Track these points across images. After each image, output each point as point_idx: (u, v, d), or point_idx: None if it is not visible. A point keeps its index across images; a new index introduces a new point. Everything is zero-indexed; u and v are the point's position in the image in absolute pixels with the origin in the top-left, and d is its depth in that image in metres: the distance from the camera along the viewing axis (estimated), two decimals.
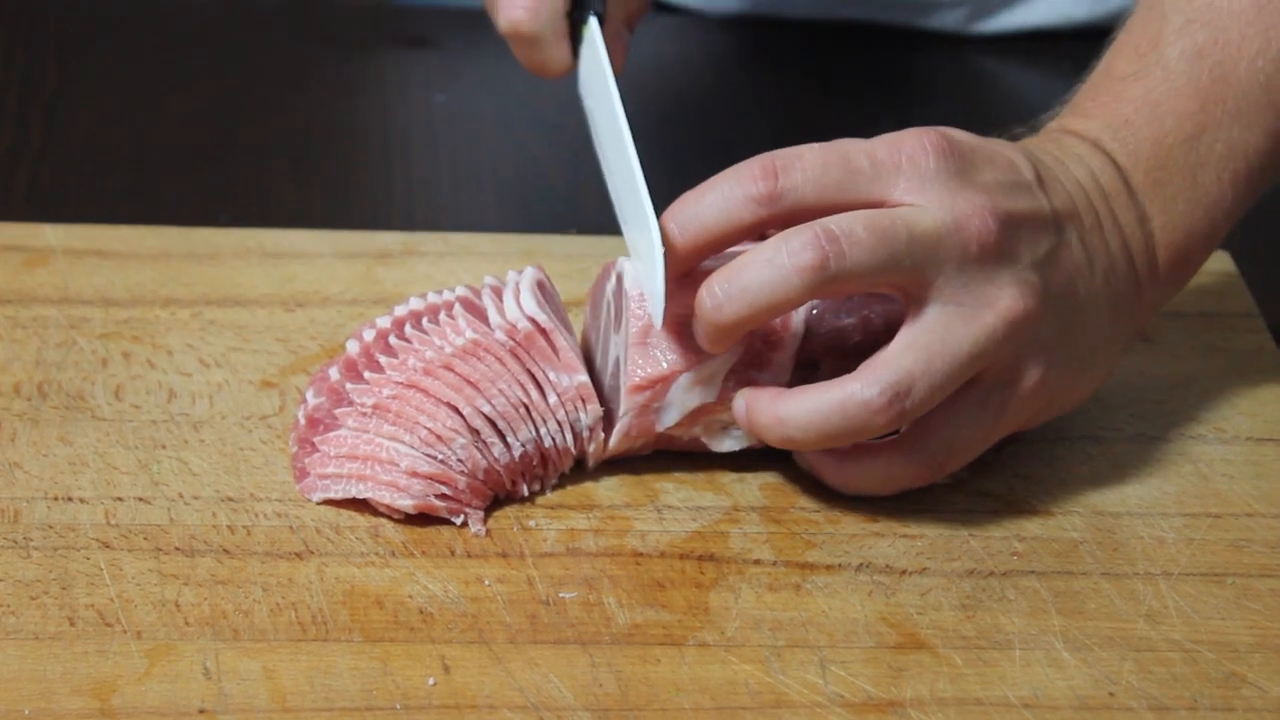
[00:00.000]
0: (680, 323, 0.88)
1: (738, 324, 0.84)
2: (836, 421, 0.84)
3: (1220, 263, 1.09)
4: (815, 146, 0.86)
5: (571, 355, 0.89)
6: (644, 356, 0.88)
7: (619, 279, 0.91)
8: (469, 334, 0.89)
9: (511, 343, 0.89)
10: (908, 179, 0.85)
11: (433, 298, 0.93)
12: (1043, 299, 0.86)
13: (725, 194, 0.85)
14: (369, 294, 1.03)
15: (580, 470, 0.91)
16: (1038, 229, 0.86)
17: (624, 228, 0.93)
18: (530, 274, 0.92)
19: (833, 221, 0.83)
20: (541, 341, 0.89)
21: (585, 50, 0.97)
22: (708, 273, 0.86)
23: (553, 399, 0.89)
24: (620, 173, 0.92)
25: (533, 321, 0.89)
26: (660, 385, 0.88)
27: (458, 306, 0.91)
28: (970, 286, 0.85)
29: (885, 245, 0.83)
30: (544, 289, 0.92)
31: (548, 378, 0.89)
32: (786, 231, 0.84)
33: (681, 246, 0.85)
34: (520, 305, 0.90)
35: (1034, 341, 0.86)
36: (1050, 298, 0.86)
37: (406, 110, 1.24)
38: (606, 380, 0.91)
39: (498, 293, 0.92)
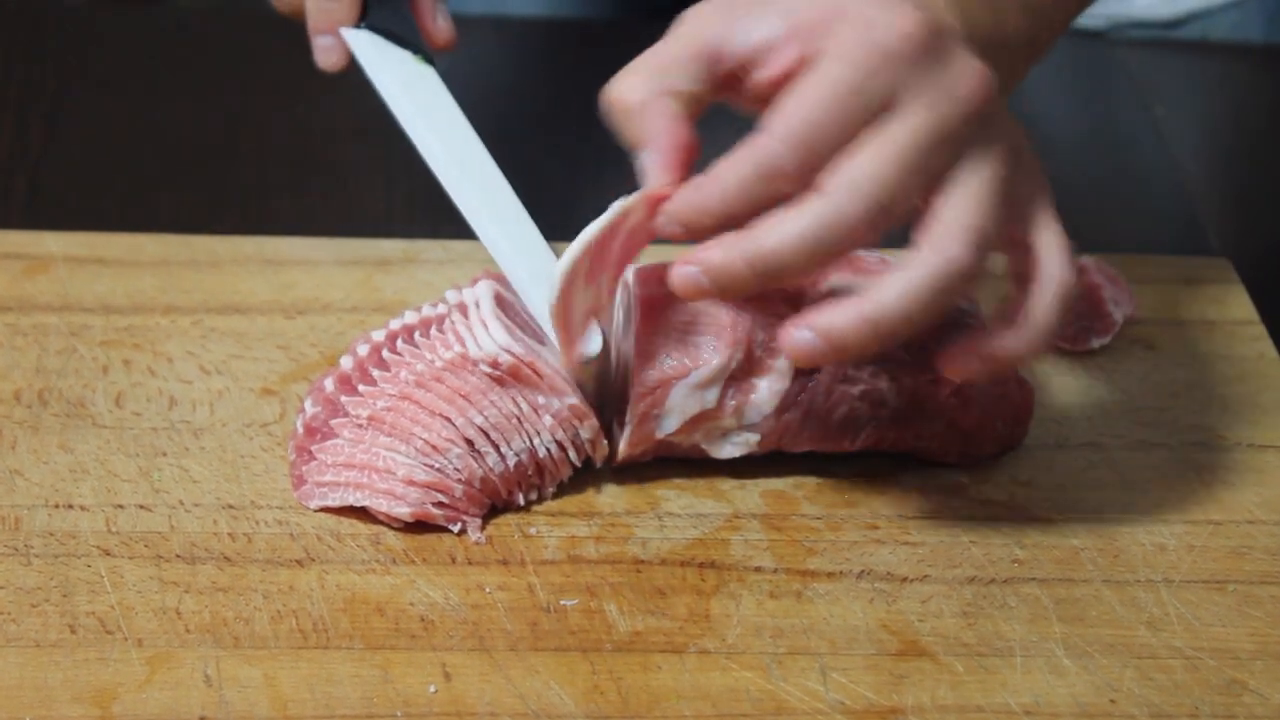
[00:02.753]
0: (679, 330, 0.88)
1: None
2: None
3: (1221, 270, 1.09)
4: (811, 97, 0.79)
5: (556, 378, 0.89)
6: (645, 362, 0.88)
7: (625, 285, 0.91)
8: (456, 349, 0.89)
9: (497, 372, 0.89)
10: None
11: (427, 310, 0.93)
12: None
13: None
14: (369, 301, 1.03)
15: (581, 477, 0.91)
16: None
17: (496, 233, 0.96)
18: (486, 294, 0.92)
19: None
20: (525, 370, 0.89)
21: (414, 80, 1.01)
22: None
23: (547, 420, 0.89)
24: (476, 180, 0.97)
25: (510, 353, 0.88)
26: (660, 391, 0.88)
27: (447, 321, 0.91)
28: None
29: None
30: (503, 303, 0.92)
31: (537, 401, 0.89)
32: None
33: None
34: (491, 336, 0.89)
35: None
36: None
37: None
38: (615, 383, 0.91)
39: (464, 311, 0.91)
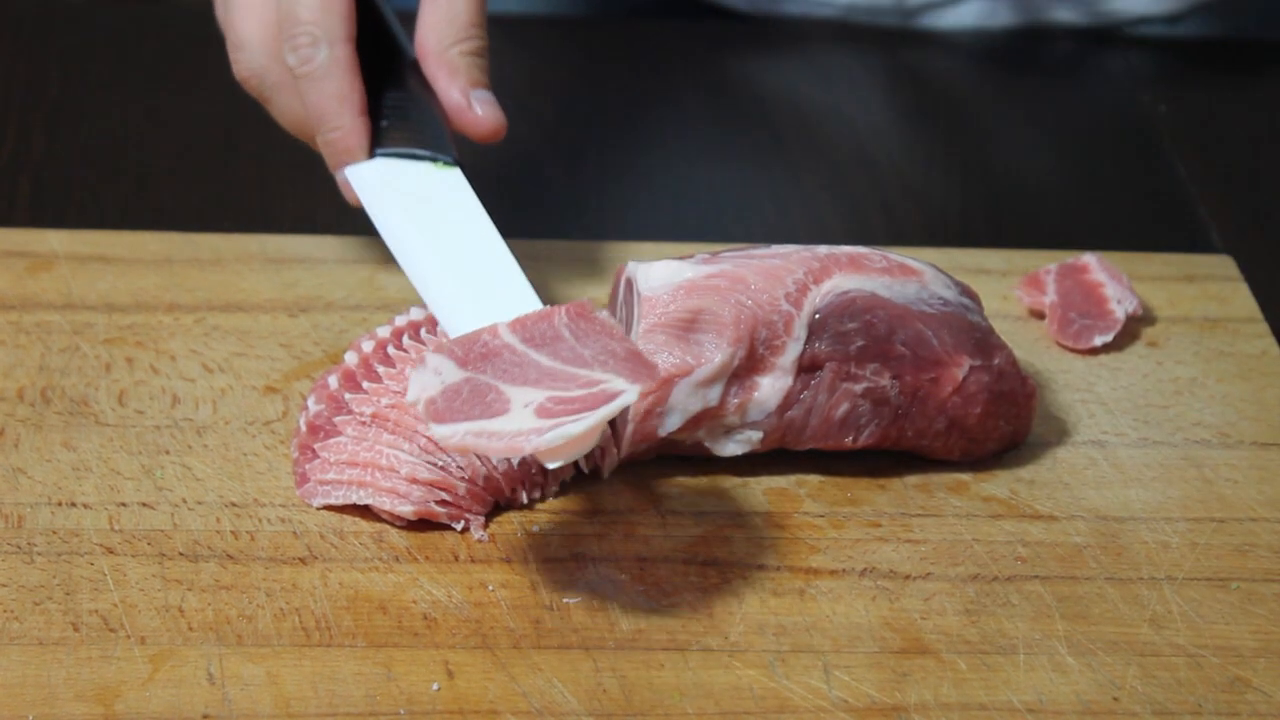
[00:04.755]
0: (682, 327, 0.88)
1: None
2: None
3: (1224, 267, 1.09)
4: None
5: None
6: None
7: (629, 283, 0.91)
8: None
9: None
10: None
11: (380, 332, 0.93)
12: None
13: None
14: (372, 299, 1.03)
15: (583, 475, 0.91)
16: None
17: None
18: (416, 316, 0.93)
19: None
20: None
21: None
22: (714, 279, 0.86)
23: None
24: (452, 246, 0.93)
25: None
26: (663, 389, 0.88)
27: (404, 338, 0.91)
28: None
29: None
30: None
31: None
32: None
33: None
34: None
35: None
36: None
37: None
38: None
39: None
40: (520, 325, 0.85)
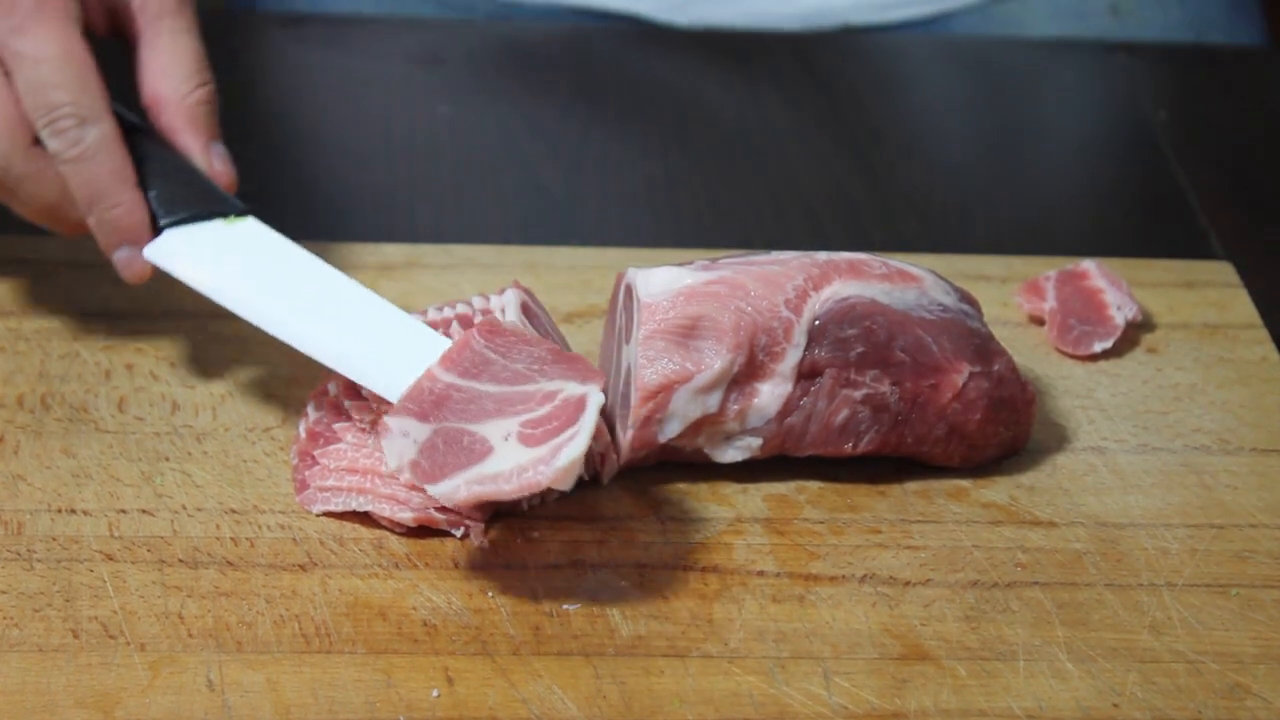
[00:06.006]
0: (681, 334, 0.88)
1: None
2: None
3: (1223, 274, 1.09)
4: None
5: None
6: (648, 367, 0.88)
7: (629, 290, 0.91)
8: None
9: None
10: None
11: (433, 314, 0.93)
12: None
13: None
14: None
15: (583, 481, 0.91)
16: None
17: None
18: (513, 300, 0.92)
19: None
20: None
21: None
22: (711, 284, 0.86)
23: None
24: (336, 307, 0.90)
25: None
26: (663, 395, 0.88)
27: (454, 325, 0.92)
28: None
29: None
30: (528, 311, 0.92)
31: None
32: None
33: None
34: None
35: None
36: None
37: (410, 122, 1.24)
38: (620, 388, 0.91)
39: (488, 316, 0.91)
40: (450, 362, 0.85)
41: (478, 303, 0.93)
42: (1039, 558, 0.89)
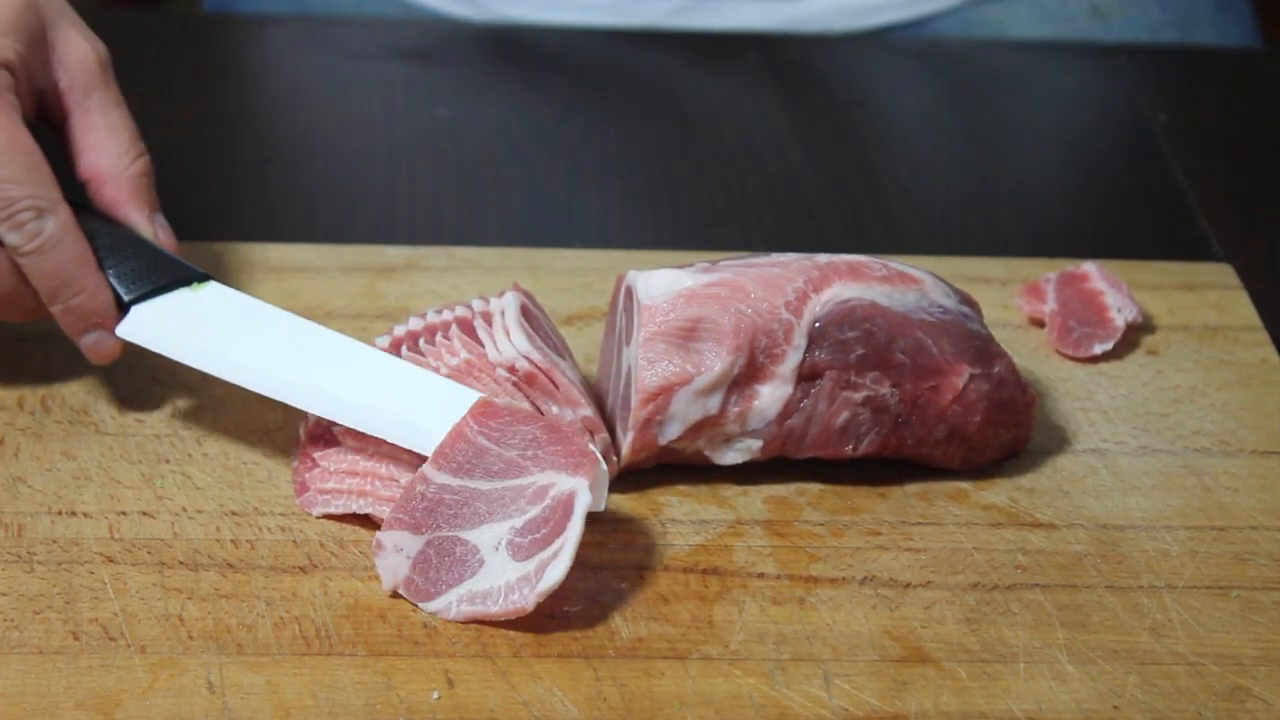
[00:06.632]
0: (682, 336, 0.89)
1: None
2: None
3: (1223, 276, 1.09)
4: None
5: (572, 389, 0.89)
6: (649, 369, 0.88)
7: (629, 292, 0.91)
8: (464, 355, 0.90)
9: (513, 378, 0.89)
10: None
11: (432, 317, 0.93)
12: None
13: None
14: (373, 308, 1.03)
15: None
16: None
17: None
18: (513, 303, 0.92)
19: None
20: (542, 379, 0.89)
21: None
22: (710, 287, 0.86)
23: None
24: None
25: (529, 360, 0.89)
26: (663, 397, 0.88)
27: (454, 328, 0.92)
28: None
29: None
30: (528, 314, 0.92)
31: (550, 411, 0.89)
32: None
33: None
34: (513, 343, 0.90)
35: None
36: None
37: (410, 124, 1.24)
38: (620, 391, 0.91)
39: (488, 319, 0.91)
40: (443, 459, 0.85)
41: (478, 305, 0.93)
42: (1039, 560, 0.89)
